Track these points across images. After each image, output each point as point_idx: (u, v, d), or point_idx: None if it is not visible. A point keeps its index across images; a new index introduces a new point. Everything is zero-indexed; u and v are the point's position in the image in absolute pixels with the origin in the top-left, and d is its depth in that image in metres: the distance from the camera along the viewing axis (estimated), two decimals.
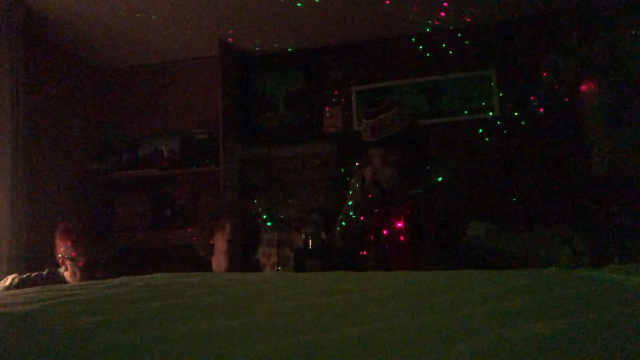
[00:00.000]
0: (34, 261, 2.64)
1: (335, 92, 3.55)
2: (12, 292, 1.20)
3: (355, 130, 3.48)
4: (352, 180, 2.26)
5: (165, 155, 3.53)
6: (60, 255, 1.95)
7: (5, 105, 2.64)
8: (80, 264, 1.91)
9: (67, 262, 1.94)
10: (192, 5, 2.92)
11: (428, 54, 3.38)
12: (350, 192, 2.24)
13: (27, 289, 1.23)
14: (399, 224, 1.98)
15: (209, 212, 2.15)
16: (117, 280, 1.24)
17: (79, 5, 2.84)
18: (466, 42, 3.32)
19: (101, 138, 3.73)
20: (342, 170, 3.38)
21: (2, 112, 2.63)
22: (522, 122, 3.17)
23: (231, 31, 3.32)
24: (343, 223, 2.23)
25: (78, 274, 1.93)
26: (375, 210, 2.03)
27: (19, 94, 2.72)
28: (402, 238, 1.98)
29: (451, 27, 3.35)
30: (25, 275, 1.97)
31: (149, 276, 1.32)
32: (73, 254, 1.91)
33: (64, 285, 1.35)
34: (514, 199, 3.09)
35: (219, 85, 3.38)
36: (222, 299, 0.87)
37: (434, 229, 2.01)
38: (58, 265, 2.02)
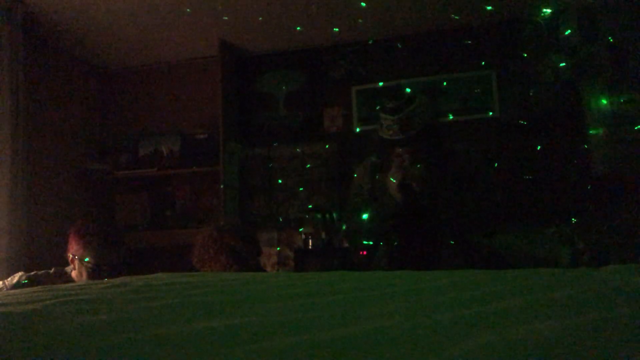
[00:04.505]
0: (34, 261, 2.64)
1: (336, 92, 3.56)
2: (12, 292, 1.20)
3: (355, 131, 3.48)
4: (355, 178, 2.13)
5: (165, 155, 3.53)
6: (70, 254, 1.95)
7: (5, 105, 2.64)
8: (89, 265, 1.91)
9: (76, 262, 1.93)
10: (192, 5, 2.92)
11: (428, 54, 3.39)
12: (354, 190, 2.12)
13: (27, 289, 1.23)
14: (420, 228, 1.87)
15: (209, 239, 2.06)
16: (117, 280, 1.23)
17: (80, 5, 2.84)
18: (466, 42, 3.32)
19: (101, 138, 3.73)
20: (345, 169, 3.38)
21: (2, 112, 2.63)
22: (522, 122, 3.17)
23: (231, 31, 3.32)
24: (344, 227, 2.14)
25: (84, 274, 1.92)
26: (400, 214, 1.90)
27: (19, 94, 2.72)
28: (420, 241, 1.88)
29: (451, 27, 3.35)
30: (32, 274, 1.97)
31: (149, 276, 1.32)
32: (84, 254, 1.91)
33: (64, 285, 1.35)
34: (514, 199, 3.09)
35: (219, 85, 3.39)
36: (222, 299, 0.87)
37: (456, 233, 1.91)
38: (64, 264, 2.02)
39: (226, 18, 3.03)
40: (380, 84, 3.42)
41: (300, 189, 3.46)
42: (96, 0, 2.80)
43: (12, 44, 2.71)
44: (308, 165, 3.47)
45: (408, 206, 1.86)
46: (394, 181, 1.85)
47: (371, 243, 2.04)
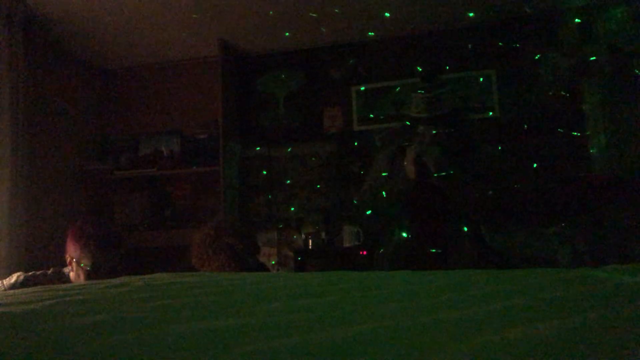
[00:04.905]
0: (34, 261, 2.64)
1: (336, 92, 3.56)
2: (12, 292, 1.20)
3: (355, 130, 3.48)
4: (380, 157, 2.15)
5: (165, 155, 3.53)
6: (68, 256, 1.95)
7: (5, 104, 2.64)
8: (86, 268, 1.90)
9: (74, 264, 1.93)
10: (192, 5, 2.92)
11: (428, 54, 3.38)
12: (372, 174, 2.13)
13: (27, 289, 1.23)
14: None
15: (207, 237, 2.08)
16: (117, 280, 1.24)
17: (80, 5, 2.84)
18: (466, 42, 3.31)
19: (101, 138, 3.73)
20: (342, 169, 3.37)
21: (2, 112, 2.63)
22: (522, 122, 3.17)
23: (231, 31, 3.32)
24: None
25: (82, 276, 1.92)
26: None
27: (19, 94, 2.72)
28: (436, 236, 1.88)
29: (451, 27, 3.35)
30: (30, 274, 1.97)
31: (149, 276, 1.32)
32: (81, 256, 1.90)
33: (64, 285, 1.35)
34: (514, 199, 3.08)
35: (219, 85, 3.38)
36: (222, 299, 0.87)
37: (469, 224, 1.92)
38: (63, 265, 2.02)
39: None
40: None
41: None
42: (97, 0, 2.80)
43: (13, 44, 2.71)
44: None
45: (420, 184, 1.89)
46: (410, 155, 1.91)
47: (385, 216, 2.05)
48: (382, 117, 3.43)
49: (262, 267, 2.27)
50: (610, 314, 0.61)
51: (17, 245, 2.63)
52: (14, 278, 1.96)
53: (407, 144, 2.00)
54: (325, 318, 0.67)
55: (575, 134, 3.08)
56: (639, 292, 0.81)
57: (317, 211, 3.39)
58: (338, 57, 3.57)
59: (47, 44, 3.27)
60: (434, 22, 3.30)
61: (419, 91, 1.99)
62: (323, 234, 3.25)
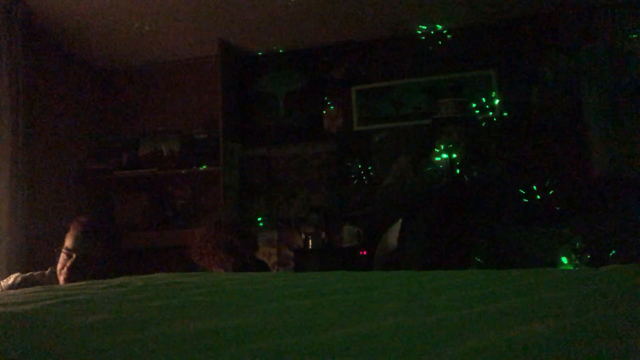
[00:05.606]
0: (34, 261, 2.64)
1: (336, 92, 3.56)
2: (12, 291, 1.20)
3: (355, 130, 3.48)
4: (404, 156, 2.29)
5: (165, 155, 3.53)
6: (63, 248, 1.90)
7: (5, 105, 2.64)
8: (73, 258, 1.82)
9: (63, 253, 1.87)
10: (192, 5, 2.92)
11: (428, 54, 3.38)
12: (393, 173, 2.28)
13: (27, 289, 1.23)
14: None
15: (207, 236, 2.09)
16: (117, 280, 1.23)
17: (79, 5, 2.85)
18: (466, 42, 3.31)
19: (101, 138, 3.73)
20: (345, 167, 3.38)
21: (2, 112, 2.63)
22: (522, 122, 3.17)
23: (231, 31, 3.32)
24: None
25: (67, 265, 1.82)
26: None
27: (19, 94, 2.72)
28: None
29: (451, 27, 3.35)
30: (28, 274, 1.96)
31: (149, 276, 1.32)
32: (71, 243, 1.85)
33: (63, 285, 1.35)
34: (514, 199, 3.08)
35: (219, 85, 3.38)
36: (222, 299, 0.87)
37: (487, 220, 2.07)
38: None
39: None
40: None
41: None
42: (97, 0, 2.80)
43: (12, 44, 2.71)
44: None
45: (449, 177, 2.01)
46: (441, 150, 2.08)
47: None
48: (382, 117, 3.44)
49: (261, 264, 2.27)
50: (610, 314, 0.61)
51: (17, 245, 2.63)
52: (11, 279, 1.94)
53: (434, 140, 2.14)
54: (325, 318, 0.67)
55: (575, 134, 3.08)
56: (639, 292, 0.81)
57: (317, 211, 3.39)
58: (338, 57, 3.57)
59: (47, 44, 3.27)
60: (434, 22, 3.30)
61: (447, 99, 2.20)
62: (323, 234, 3.25)
